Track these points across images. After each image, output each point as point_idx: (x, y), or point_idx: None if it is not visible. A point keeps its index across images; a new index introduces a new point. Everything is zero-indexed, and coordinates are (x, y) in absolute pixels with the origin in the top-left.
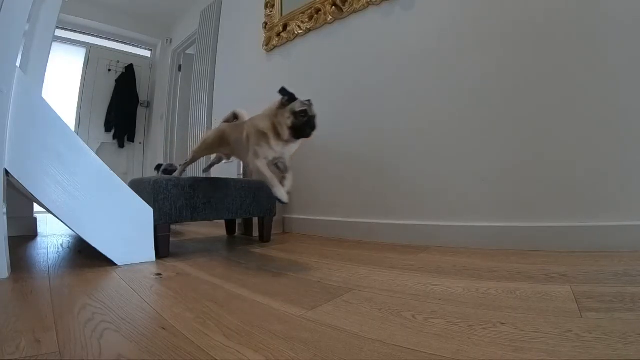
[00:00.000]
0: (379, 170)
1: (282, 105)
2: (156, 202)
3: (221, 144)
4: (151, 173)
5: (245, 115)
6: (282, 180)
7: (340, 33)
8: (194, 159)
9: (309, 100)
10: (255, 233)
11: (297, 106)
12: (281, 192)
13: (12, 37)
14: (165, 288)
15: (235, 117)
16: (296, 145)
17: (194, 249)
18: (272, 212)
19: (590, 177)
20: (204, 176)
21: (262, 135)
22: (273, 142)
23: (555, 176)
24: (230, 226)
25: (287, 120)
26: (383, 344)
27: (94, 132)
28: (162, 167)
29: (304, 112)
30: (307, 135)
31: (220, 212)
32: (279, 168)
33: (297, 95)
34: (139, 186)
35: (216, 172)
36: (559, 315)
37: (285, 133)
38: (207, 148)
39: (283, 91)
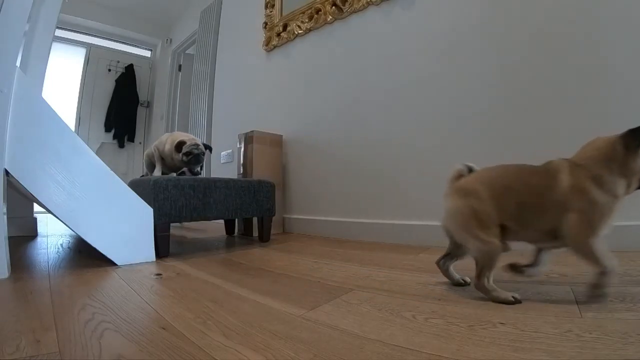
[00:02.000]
0: (380, 170)
1: (629, 147)
2: (156, 202)
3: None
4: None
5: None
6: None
7: (340, 33)
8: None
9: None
10: (255, 233)
11: None
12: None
13: (12, 37)
14: (165, 288)
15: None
16: None
17: (194, 249)
18: (272, 212)
19: None
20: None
21: (608, 210)
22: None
23: None
24: (230, 226)
25: None
26: (383, 344)
27: (94, 132)
28: (184, 151)
29: None
30: None
31: (220, 212)
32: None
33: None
34: (138, 186)
35: (216, 172)
36: (559, 315)
37: (634, 187)
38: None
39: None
